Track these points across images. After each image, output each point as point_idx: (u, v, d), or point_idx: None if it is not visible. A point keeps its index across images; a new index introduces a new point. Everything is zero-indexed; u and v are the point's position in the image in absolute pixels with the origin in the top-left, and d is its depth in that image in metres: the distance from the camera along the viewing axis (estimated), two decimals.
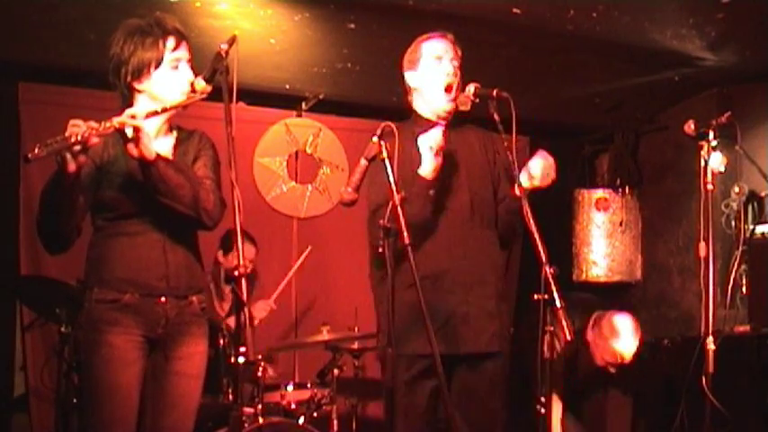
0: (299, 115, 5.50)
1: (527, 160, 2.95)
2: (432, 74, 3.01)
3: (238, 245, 2.25)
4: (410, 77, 3.08)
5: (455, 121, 3.07)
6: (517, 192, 2.85)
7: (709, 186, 3.38)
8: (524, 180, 2.88)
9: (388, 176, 2.54)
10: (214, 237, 3.90)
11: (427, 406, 2.91)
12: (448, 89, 2.97)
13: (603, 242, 5.68)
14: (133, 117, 2.41)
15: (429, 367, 2.70)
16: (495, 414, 3.00)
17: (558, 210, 5.82)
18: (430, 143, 2.84)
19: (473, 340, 2.92)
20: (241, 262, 2.23)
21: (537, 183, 2.89)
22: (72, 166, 2.35)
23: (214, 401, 3.92)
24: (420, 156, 2.87)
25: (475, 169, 3.05)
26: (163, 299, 2.60)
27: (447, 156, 2.97)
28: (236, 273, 2.21)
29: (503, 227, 3.08)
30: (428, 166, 2.85)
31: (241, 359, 2.24)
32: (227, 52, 2.42)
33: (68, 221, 2.52)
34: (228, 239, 4.55)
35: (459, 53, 3.05)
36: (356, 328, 4.19)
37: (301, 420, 3.96)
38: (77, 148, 2.33)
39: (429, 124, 3.02)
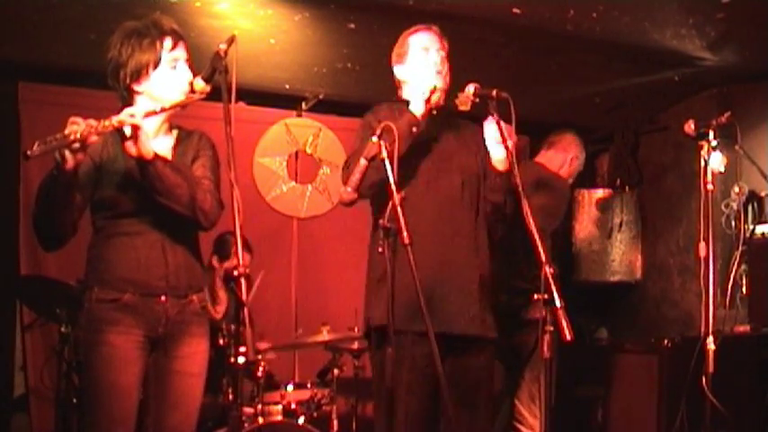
0: (299, 115, 5.50)
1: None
2: (419, 64, 3.06)
3: (238, 244, 2.24)
4: (399, 71, 3.14)
5: (448, 112, 3.09)
6: (497, 166, 2.94)
7: (709, 186, 3.38)
8: (497, 153, 2.94)
9: (388, 176, 2.54)
10: (207, 240, 3.88)
11: (428, 407, 2.91)
12: (437, 72, 3.02)
13: (603, 242, 5.67)
14: (132, 116, 2.42)
15: (429, 363, 2.70)
16: (482, 401, 3.00)
17: None
18: (427, 84, 2.92)
19: (451, 321, 2.91)
20: (241, 262, 2.22)
21: (502, 150, 2.87)
22: (70, 164, 2.35)
23: (214, 401, 3.92)
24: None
25: (466, 154, 3.09)
26: (163, 298, 2.60)
27: (440, 138, 3.02)
28: (235, 273, 2.21)
29: (490, 209, 3.08)
30: (419, 106, 2.91)
31: (241, 359, 2.24)
32: (226, 52, 2.42)
33: (64, 219, 2.52)
34: (223, 246, 4.53)
35: (446, 45, 3.10)
36: (356, 328, 4.18)
37: (301, 420, 3.96)
38: (76, 145, 2.33)
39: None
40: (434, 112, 3.05)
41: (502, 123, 2.83)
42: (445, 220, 2.98)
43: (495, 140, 2.89)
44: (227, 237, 4.38)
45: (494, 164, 2.99)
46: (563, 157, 4.33)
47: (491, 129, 2.90)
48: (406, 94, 3.13)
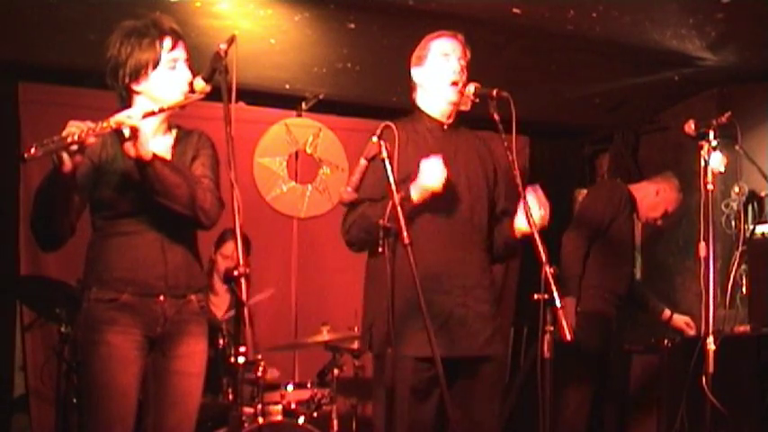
0: (299, 115, 5.50)
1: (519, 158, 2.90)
2: (438, 70, 3.01)
3: (238, 246, 2.23)
4: (416, 73, 3.08)
5: (457, 123, 3.07)
6: (517, 234, 2.95)
7: (710, 186, 3.38)
8: (523, 223, 2.88)
9: (388, 176, 2.54)
10: (211, 235, 3.89)
11: (433, 414, 2.91)
12: (454, 84, 2.97)
13: None
14: (130, 117, 2.41)
15: (434, 375, 2.72)
16: (493, 417, 3.00)
17: (558, 210, 5.81)
18: (433, 182, 2.79)
19: (470, 343, 2.92)
20: (241, 261, 2.22)
21: (536, 227, 2.76)
22: (68, 166, 2.34)
23: (214, 401, 3.92)
24: (417, 156, 2.86)
25: (474, 172, 3.06)
26: (161, 298, 2.60)
27: (449, 158, 2.96)
28: (235, 273, 2.21)
29: (497, 253, 3.10)
30: (420, 196, 2.82)
31: (241, 359, 2.24)
32: (226, 52, 2.41)
33: (63, 220, 2.52)
34: (221, 237, 4.55)
35: (468, 54, 3.05)
36: (356, 328, 4.17)
37: (301, 420, 3.96)
38: (74, 147, 2.32)
39: (432, 123, 3.03)
40: (445, 128, 3.04)
41: (539, 199, 2.84)
42: (456, 242, 2.96)
43: (530, 212, 2.77)
44: (227, 231, 4.40)
45: (516, 229, 2.96)
46: (652, 188, 4.51)
47: (532, 201, 2.83)
48: (419, 98, 3.10)
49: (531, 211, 2.76)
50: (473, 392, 2.96)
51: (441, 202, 2.92)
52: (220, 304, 4.60)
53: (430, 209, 2.91)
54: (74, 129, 2.31)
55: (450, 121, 3.05)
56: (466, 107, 2.99)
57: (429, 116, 3.05)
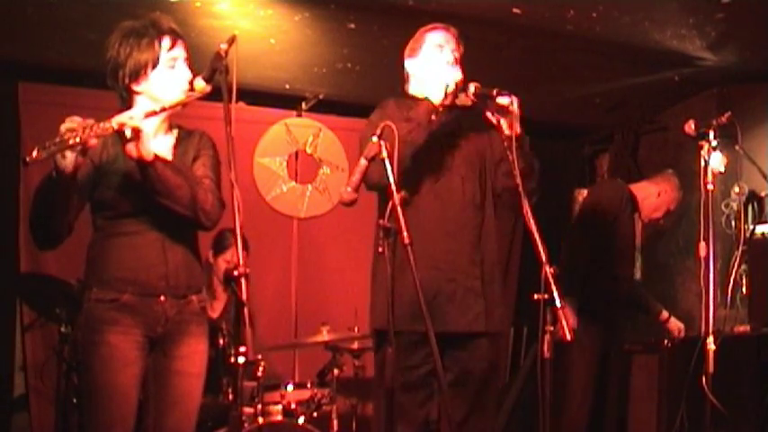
0: (299, 115, 5.50)
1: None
2: (432, 62, 3.03)
3: (238, 244, 2.24)
4: (410, 65, 3.12)
5: (451, 109, 3.07)
6: (506, 130, 2.82)
7: (710, 186, 3.38)
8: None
9: (388, 176, 2.54)
10: (206, 237, 3.90)
11: (425, 406, 2.91)
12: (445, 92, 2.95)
13: None
14: (132, 118, 2.41)
15: (425, 354, 2.71)
16: (489, 393, 3.01)
17: (558, 210, 5.82)
18: (449, 83, 2.88)
19: (457, 319, 2.93)
20: (241, 261, 2.22)
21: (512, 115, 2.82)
22: (69, 167, 2.35)
23: (214, 401, 3.92)
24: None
25: (467, 146, 3.07)
26: (162, 298, 2.60)
27: (447, 136, 3.00)
28: (235, 273, 2.21)
29: (504, 194, 3.08)
30: (438, 94, 2.88)
31: (241, 359, 2.24)
32: (226, 52, 2.41)
33: (61, 220, 2.52)
34: (221, 241, 4.54)
35: (461, 47, 3.08)
36: (356, 328, 4.18)
37: (301, 420, 3.96)
38: (76, 149, 2.33)
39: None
40: (440, 110, 3.05)
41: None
42: (449, 218, 2.98)
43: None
44: (224, 232, 4.38)
45: (505, 128, 2.84)
46: (653, 189, 4.50)
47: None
48: (412, 88, 3.11)
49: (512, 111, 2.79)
50: (463, 369, 2.96)
51: (434, 182, 2.95)
52: (216, 307, 4.58)
53: (424, 190, 2.93)
54: (73, 124, 2.32)
55: (446, 102, 3.04)
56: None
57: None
